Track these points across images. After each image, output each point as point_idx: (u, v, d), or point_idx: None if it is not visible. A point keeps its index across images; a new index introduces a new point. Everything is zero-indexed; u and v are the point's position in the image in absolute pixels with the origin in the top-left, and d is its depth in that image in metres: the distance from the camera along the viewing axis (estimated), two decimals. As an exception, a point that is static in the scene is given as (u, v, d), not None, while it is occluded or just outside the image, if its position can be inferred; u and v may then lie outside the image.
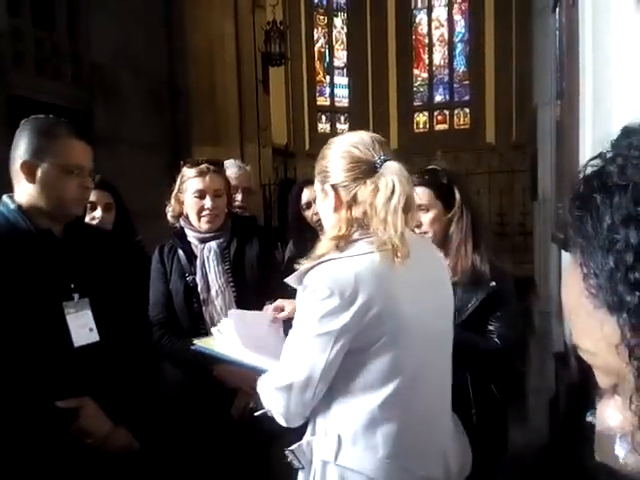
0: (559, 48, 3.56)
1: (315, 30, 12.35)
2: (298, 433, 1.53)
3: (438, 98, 12.78)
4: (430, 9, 12.67)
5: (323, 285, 1.34)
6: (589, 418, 0.55)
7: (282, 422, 1.46)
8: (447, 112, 12.60)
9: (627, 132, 0.53)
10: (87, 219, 2.64)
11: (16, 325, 1.60)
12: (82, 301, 1.76)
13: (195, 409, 2.22)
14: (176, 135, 6.32)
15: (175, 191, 2.31)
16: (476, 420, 1.98)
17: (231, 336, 1.79)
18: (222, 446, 2.19)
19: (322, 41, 12.58)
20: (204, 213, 2.25)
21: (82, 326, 1.74)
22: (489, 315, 2.03)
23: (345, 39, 12.75)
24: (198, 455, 2.21)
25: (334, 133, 11.91)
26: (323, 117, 12.56)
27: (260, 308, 1.96)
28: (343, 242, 1.40)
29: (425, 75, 12.78)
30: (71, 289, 1.74)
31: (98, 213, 2.67)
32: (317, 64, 12.49)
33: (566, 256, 0.53)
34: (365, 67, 12.46)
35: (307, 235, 2.71)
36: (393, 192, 1.36)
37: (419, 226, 2.06)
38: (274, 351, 1.60)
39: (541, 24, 4.57)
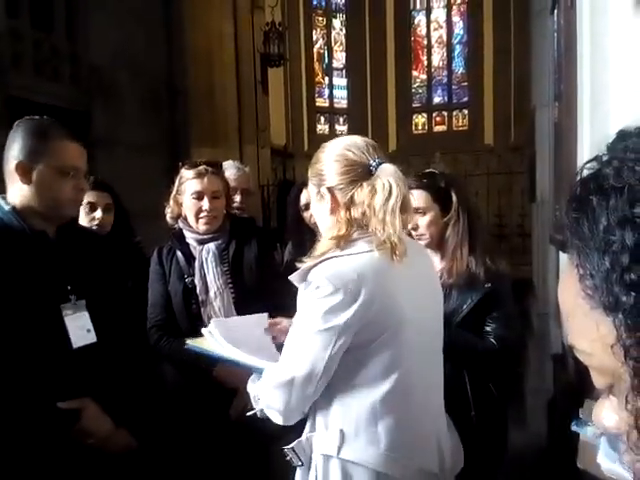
0: (557, 50, 3.57)
1: (314, 31, 12.34)
2: (296, 432, 1.54)
3: (437, 99, 12.78)
4: (429, 11, 12.68)
5: (327, 282, 1.38)
6: (574, 427, 0.56)
7: (279, 420, 1.47)
8: (445, 113, 12.60)
9: (623, 135, 0.53)
10: (87, 220, 2.65)
11: (16, 327, 1.60)
12: (79, 303, 1.76)
13: (194, 409, 2.22)
14: (175, 136, 6.32)
15: (173, 192, 2.31)
16: (475, 421, 1.99)
17: (219, 339, 1.81)
18: (221, 446, 2.19)
19: (321, 42, 12.57)
20: (202, 215, 2.25)
21: (80, 327, 1.75)
22: (485, 316, 2.05)
23: (344, 40, 12.75)
24: (197, 455, 2.21)
25: (333, 134, 11.92)
26: (322, 118, 12.55)
27: (259, 309, 1.95)
28: (343, 242, 1.44)
29: (424, 77, 12.77)
30: (68, 291, 1.74)
31: (98, 214, 2.68)
32: (316, 65, 12.48)
33: (564, 258, 0.53)
34: (364, 68, 12.46)
35: (306, 236, 2.71)
36: (390, 193, 1.41)
37: (416, 229, 2.08)
38: (264, 352, 1.64)
39: (539, 26, 4.58)
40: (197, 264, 2.26)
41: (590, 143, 2.19)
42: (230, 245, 2.32)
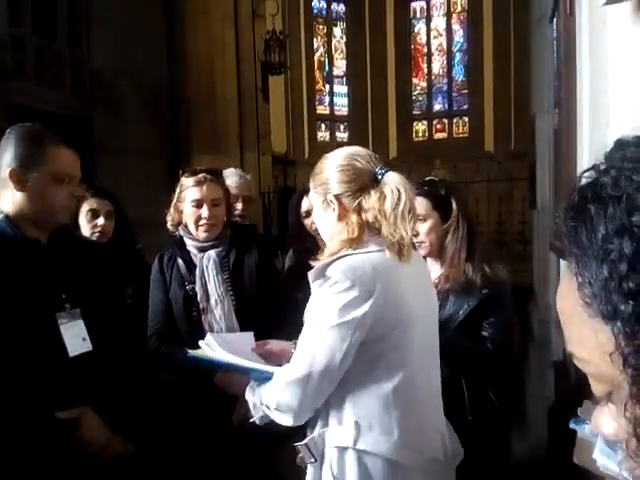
0: (557, 57, 3.59)
1: (315, 39, 12.40)
2: (300, 435, 1.57)
3: (437, 107, 12.83)
4: (429, 19, 12.74)
5: (344, 277, 1.44)
6: (572, 425, 0.56)
7: (289, 420, 1.50)
8: (446, 121, 12.64)
9: (620, 144, 0.54)
10: (89, 227, 2.65)
11: (12, 336, 1.59)
12: (74, 311, 1.75)
13: (195, 416, 2.22)
14: (176, 143, 6.33)
15: (174, 200, 2.31)
16: (473, 427, 1.98)
17: (217, 348, 1.82)
18: (224, 452, 2.19)
19: (321, 50, 12.64)
20: (201, 222, 2.26)
21: (75, 336, 1.73)
22: (482, 321, 2.06)
23: (344, 48, 12.81)
24: (200, 462, 2.20)
25: (333, 141, 11.96)
26: (322, 125, 12.59)
27: (259, 317, 1.96)
28: (355, 244, 1.50)
29: (424, 84, 12.82)
30: (62, 299, 1.73)
31: (100, 221, 2.67)
32: (317, 73, 12.53)
33: (565, 265, 0.54)
34: (364, 76, 12.51)
35: (307, 243, 2.71)
36: (399, 199, 1.49)
37: (416, 235, 2.09)
38: (259, 363, 1.70)
39: (539, 34, 4.60)
40: (198, 271, 2.26)
41: (590, 150, 2.20)
42: (231, 252, 2.32)
